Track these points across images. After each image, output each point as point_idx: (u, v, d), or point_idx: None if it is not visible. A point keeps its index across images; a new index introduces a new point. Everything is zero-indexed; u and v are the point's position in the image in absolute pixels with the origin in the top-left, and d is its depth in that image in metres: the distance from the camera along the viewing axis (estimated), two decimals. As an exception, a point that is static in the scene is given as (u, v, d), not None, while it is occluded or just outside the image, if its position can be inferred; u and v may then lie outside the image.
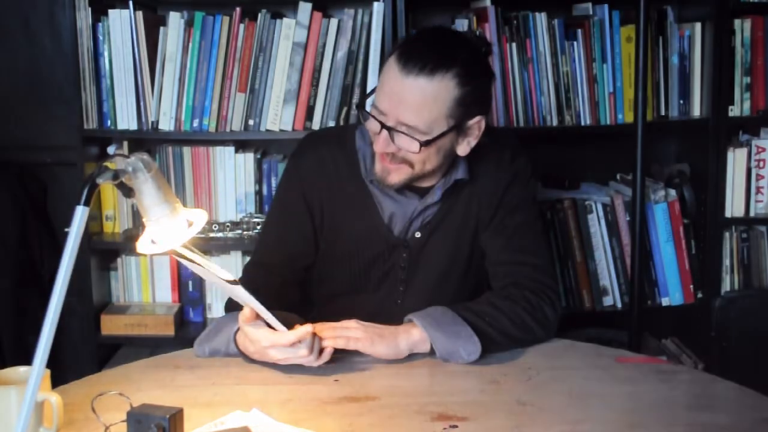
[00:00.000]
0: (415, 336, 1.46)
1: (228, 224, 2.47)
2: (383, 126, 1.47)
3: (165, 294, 2.55)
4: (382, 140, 1.48)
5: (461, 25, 2.44)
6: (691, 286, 2.58)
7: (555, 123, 2.47)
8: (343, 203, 1.64)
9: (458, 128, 1.50)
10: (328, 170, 1.64)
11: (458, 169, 1.60)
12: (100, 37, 2.38)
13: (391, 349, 1.44)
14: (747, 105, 2.54)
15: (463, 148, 1.55)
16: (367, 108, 1.52)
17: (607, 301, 2.56)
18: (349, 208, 1.64)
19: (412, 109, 1.44)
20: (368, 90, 2.34)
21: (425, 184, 1.61)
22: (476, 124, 1.52)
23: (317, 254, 1.69)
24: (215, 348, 1.47)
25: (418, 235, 1.65)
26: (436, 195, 1.61)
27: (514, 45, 2.43)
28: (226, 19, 2.36)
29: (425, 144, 1.46)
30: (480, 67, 1.50)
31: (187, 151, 2.49)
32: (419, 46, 1.46)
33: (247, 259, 2.45)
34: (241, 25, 2.36)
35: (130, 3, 2.33)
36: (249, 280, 1.63)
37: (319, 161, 1.64)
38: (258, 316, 1.37)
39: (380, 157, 1.53)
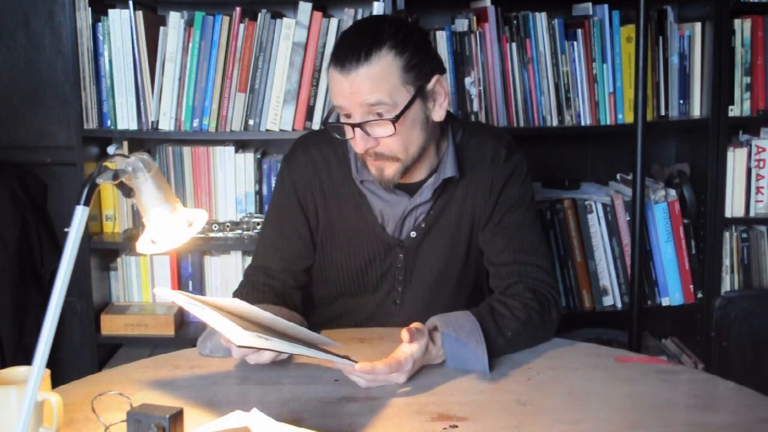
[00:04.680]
0: (437, 361, 1.44)
1: (228, 224, 2.47)
2: (353, 125, 1.48)
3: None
4: (358, 140, 1.48)
5: (461, 25, 2.44)
6: (691, 286, 2.58)
7: (555, 123, 2.47)
8: (337, 204, 1.65)
9: (421, 94, 1.51)
10: (320, 172, 1.64)
11: (447, 167, 1.60)
12: (100, 37, 2.38)
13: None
14: (747, 105, 2.55)
15: (438, 113, 1.55)
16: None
17: (607, 301, 2.56)
18: (343, 209, 1.65)
19: (368, 93, 1.45)
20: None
21: (416, 176, 1.61)
22: (437, 84, 1.53)
23: (316, 256, 1.69)
24: (216, 345, 1.47)
25: (413, 234, 1.65)
26: (425, 194, 1.61)
27: (514, 45, 2.43)
28: (226, 19, 2.36)
29: (396, 119, 1.46)
30: (409, 30, 1.52)
31: (187, 151, 2.49)
32: (346, 44, 1.48)
33: (248, 259, 2.47)
34: (241, 25, 2.36)
35: (130, 3, 2.34)
36: (250, 283, 1.64)
37: (310, 163, 1.65)
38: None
39: (367, 159, 1.53)
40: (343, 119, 1.51)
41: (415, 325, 1.39)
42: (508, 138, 1.69)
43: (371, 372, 1.33)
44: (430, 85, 1.52)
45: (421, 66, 1.49)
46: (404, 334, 1.36)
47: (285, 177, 1.67)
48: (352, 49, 1.46)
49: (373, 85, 1.45)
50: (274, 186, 1.76)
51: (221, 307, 1.30)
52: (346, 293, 1.71)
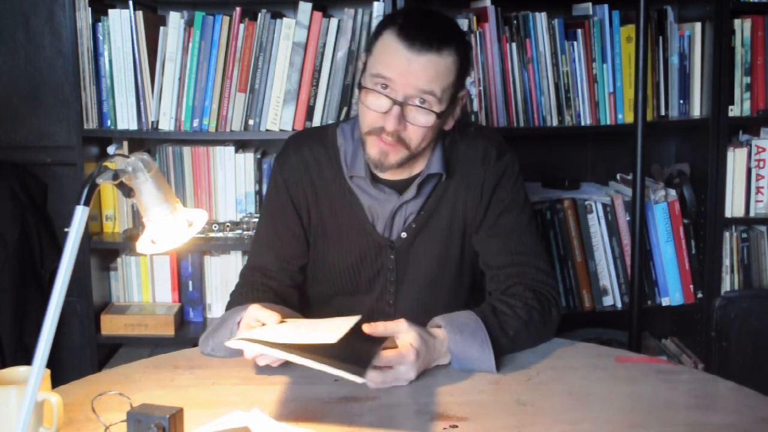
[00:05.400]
0: (443, 362, 1.44)
1: (228, 224, 2.47)
2: (395, 102, 1.46)
3: (165, 294, 2.55)
4: (394, 117, 1.46)
5: (461, 25, 2.44)
6: (691, 286, 2.58)
7: (555, 123, 2.47)
8: (328, 202, 1.65)
9: (454, 99, 1.53)
10: (311, 170, 1.64)
11: (432, 163, 1.60)
12: (100, 37, 2.38)
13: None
14: (747, 105, 2.54)
15: (449, 123, 1.57)
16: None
17: (607, 301, 2.56)
18: (334, 207, 1.65)
19: (426, 80, 1.45)
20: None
21: (406, 174, 1.61)
22: (463, 96, 1.55)
23: (309, 254, 1.70)
24: (218, 342, 1.46)
25: (403, 235, 1.65)
26: (412, 191, 1.61)
27: (514, 45, 2.43)
28: (226, 19, 2.36)
29: (440, 116, 1.48)
30: (465, 38, 1.54)
31: (187, 151, 2.49)
32: (420, 26, 1.47)
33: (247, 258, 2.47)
34: (241, 25, 2.36)
35: (130, 3, 2.33)
36: (248, 283, 1.64)
37: (301, 161, 1.65)
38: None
39: (378, 138, 1.50)
40: (379, 88, 1.47)
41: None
42: (499, 138, 1.69)
43: (374, 331, 1.35)
44: (460, 94, 1.54)
45: (465, 75, 1.53)
46: (364, 327, 1.36)
47: (277, 176, 1.67)
48: (427, 32, 1.45)
49: (435, 75, 1.45)
50: (267, 186, 1.76)
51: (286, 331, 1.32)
52: (341, 293, 1.71)
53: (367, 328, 1.36)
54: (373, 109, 1.49)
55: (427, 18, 1.52)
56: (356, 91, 2.35)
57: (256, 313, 1.40)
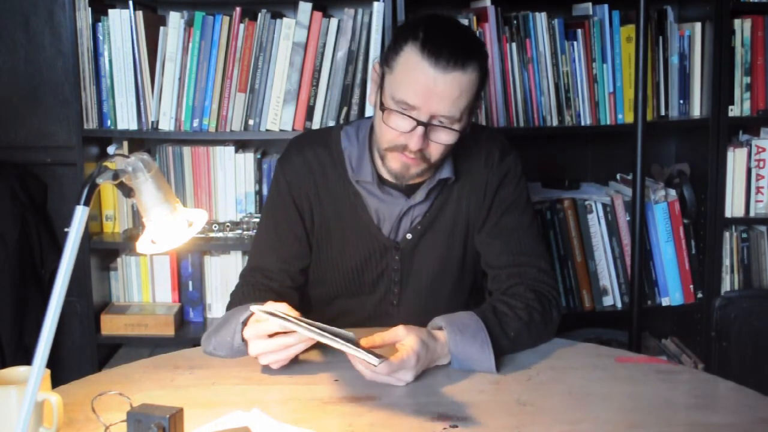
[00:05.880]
0: (443, 362, 1.44)
1: (228, 224, 2.47)
2: (419, 123, 1.44)
3: (165, 294, 2.55)
4: (419, 137, 1.45)
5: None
6: (691, 286, 2.58)
7: (555, 123, 2.47)
8: (332, 204, 1.64)
9: (472, 112, 1.52)
10: (314, 172, 1.64)
11: (443, 168, 1.60)
12: (100, 37, 2.38)
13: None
14: (747, 105, 2.54)
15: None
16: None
17: (607, 301, 2.56)
18: (338, 209, 1.64)
19: (450, 102, 1.43)
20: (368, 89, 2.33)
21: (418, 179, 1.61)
22: (475, 111, 1.54)
23: (312, 256, 1.69)
24: (221, 340, 1.46)
25: (408, 236, 1.65)
26: (421, 194, 1.61)
27: (514, 45, 2.43)
28: (226, 19, 2.36)
29: (462, 132, 1.47)
30: (485, 50, 1.51)
31: (187, 151, 2.49)
32: (444, 40, 1.43)
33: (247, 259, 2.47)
34: (241, 25, 2.36)
35: (130, 3, 2.34)
36: (248, 284, 1.64)
37: (304, 164, 1.64)
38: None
39: (400, 154, 1.49)
40: (402, 110, 1.44)
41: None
42: (502, 139, 1.69)
43: (373, 344, 1.35)
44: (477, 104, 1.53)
45: (484, 87, 1.50)
46: (362, 341, 1.36)
47: (280, 178, 1.66)
48: (451, 48, 1.41)
49: (459, 94, 1.42)
50: (269, 188, 1.75)
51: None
52: (343, 294, 1.71)
53: (364, 342, 1.36)
54: (395, 129, 1.47)
55: (449, 30, 1.48)
56: (356, 91, 2.37)
57: (274, 307, 1.40)
